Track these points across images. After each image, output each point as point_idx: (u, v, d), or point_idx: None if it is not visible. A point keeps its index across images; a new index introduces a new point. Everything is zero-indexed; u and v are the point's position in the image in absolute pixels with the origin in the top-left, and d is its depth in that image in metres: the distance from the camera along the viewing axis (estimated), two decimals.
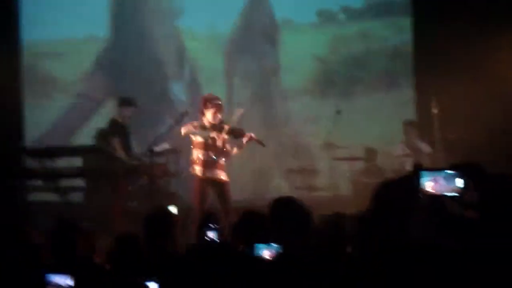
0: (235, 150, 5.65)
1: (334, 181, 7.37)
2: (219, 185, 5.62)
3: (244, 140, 5.57)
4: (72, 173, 6.88)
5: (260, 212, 3.02)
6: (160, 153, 6.48)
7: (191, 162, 5.64)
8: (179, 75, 8.08)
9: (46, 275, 2.56)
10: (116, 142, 6.51)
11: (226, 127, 5.56)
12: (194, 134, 5.53)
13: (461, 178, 1.27)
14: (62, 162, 6.92)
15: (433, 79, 7.20)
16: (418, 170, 1.29)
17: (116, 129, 6.58)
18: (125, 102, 6.67)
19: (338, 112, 7.16)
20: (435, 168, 1.28)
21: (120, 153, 6.49)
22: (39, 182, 7.08)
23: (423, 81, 7.61)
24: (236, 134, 5.61)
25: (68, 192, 7.06)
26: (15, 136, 7.37)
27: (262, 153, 7.83)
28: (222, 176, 5.62)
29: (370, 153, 7.43)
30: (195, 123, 5.58)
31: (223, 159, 5.62)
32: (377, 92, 8.07)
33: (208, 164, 5.54)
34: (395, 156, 7.18)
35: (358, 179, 7.19)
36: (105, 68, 7.96)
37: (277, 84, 8.17)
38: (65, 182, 7.02)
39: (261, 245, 2.42)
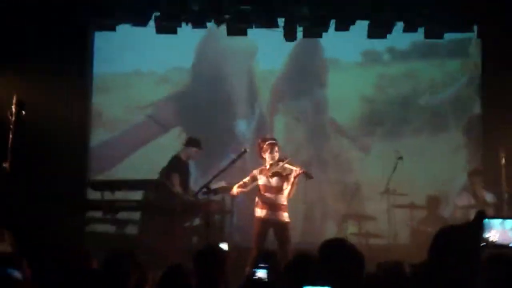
0: (287, 187, 5.70)
1: (391, 228, 7.13)
2: (279, 226, 5.67)
3: (292, 175, 5.61)
4: (131, 206, 6.99)
5: (312, 254, 2.95)
6: (216, 191, 6.53)
7: (254, 205, 5.79)
8: (247, 113, 8.19)
9: None
10: (175, 178, 6.63)
11: (279, 166, 5.67)
12: (244, 190, 5.77)
13: None
14: (121, 195, 7.06)
15: (500, 127, 6.97)
16: (482, 218, 1.20)
17: (178, 166, 6.73)
18: (192, 142, 6.83)
19: (400, 158, 6.96)
20: (500, 217, 1.19)
21: (178, 189, 6.59)
22: (98, 214, 7.23)
23: (490, 128, 7.38)
24: (288, 170, 5.69)
25: (125, 225, 7.19)
26: (81, 167, 7.55)
27: (315, 197, 7.77)
28: (283, 217, 5.69)
29: (432, 201, 7.20)
30: (247, 179, 5.79)
31: (283, 199, 5.70)
32: (424, 134, 7.94)
33: (268, 206, 5.66)
34: (460, 206, 6.93)
35: (418, 228, 6.95)
36: (178, 99, 8.17)
37: (327, 124, 8.15)
38: (123, 215, 7.16)
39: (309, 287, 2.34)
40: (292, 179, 5.62)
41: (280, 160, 5.72)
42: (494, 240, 1.05)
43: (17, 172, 5.99)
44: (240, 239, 6.99)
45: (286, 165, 5.68)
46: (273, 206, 5.65)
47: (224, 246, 4.57)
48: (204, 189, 5.83)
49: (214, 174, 5.89)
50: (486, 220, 1.05)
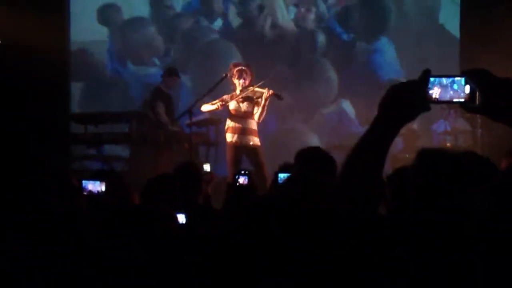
0: (257, 112, 5.73)
1: None
2: (252, 151, 5.73)
3: (263, 98, 5.64)
4: (115, 139, 7.02)
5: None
6: (200, 122, 6.61)
7: (224, 132, 5.83)
8: None
9: (82, 181, 2.73)
10: (160, 107, 6.67)
11: (250, 89, 5.69)
12: (211, 108, 5.76)
13: (469, 84, 1.29)
14: (106, 129, 7.09)
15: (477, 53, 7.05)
16: (426, 76, 1.30)
17: (161, 96, 6.75)
18: (170, 72, 6.85)
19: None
20: (443, 75, 1.31)
21: (164, 118, 6.64)
22: (83, 150, 7.25)
23: (468, 54, 7.46)
24: (258, 94, 5.72)
25: (111, 161, 7.24)
26: (62, 101, 7.51)
27: (301, 130, 7.90)
28: (254, 141, 5.74)
29: (410, 131, 7.38)
30: (217, 102, 5.74)
31: (253, 123, 5.76)
32: None
33: (239, 131, 5.70)
34: (438, 133, 7.12)
35: (398, 155, 7.15)
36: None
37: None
38: (109, 150, 7.22)
39: (283, 175, 2.50)
40: (262, 102, 5.65)
41: (251, 85, 5.74)
42: (436, 97, 1.13)
43: None
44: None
45: (257, 89, 5.70)
46: (244, 131, 5.69)
47: (206, 166, 4.73)
48: (187, 114, 5.88)
49: (196, 99, 5.93)
50: (429, 77, 1.12)
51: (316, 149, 2.96)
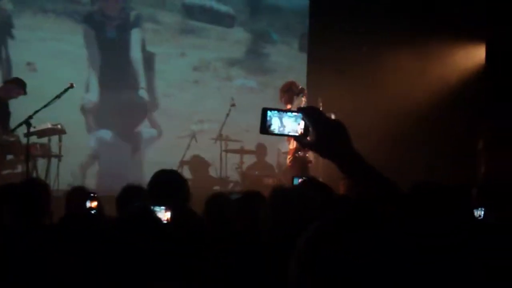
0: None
1: (225, 173, 7.33)
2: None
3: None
4: None
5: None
6: (41, 132, 6.16)
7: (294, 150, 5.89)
8: None
9: None
10: None
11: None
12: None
13: (303, 120, 1.32)
14: None
15: (322, 78, 7.47)
16: (265, 110, 1.33)
17: None
18: (20, 83, 6.29)
19: (233, 105, 7.11)
20: (281, 110, 1.33)
21: None
22: None
23: (314, 79, 7.86)
24: None
25: None
26: None
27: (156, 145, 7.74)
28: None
29: (260, 148, 7.56)
30: None
31: None
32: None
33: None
34: (282, 152, 7.33)
35: (247, 172, 7.28)
36: None
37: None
38: None
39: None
40: None
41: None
42: (274, 130, 1.16)
43: None
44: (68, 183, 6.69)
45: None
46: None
47: None
48: (25, 126, 5.42)
49: (35, 111, 5.48)
50: (268, 111, 1.15)
51: (171, 173, 2.90)
